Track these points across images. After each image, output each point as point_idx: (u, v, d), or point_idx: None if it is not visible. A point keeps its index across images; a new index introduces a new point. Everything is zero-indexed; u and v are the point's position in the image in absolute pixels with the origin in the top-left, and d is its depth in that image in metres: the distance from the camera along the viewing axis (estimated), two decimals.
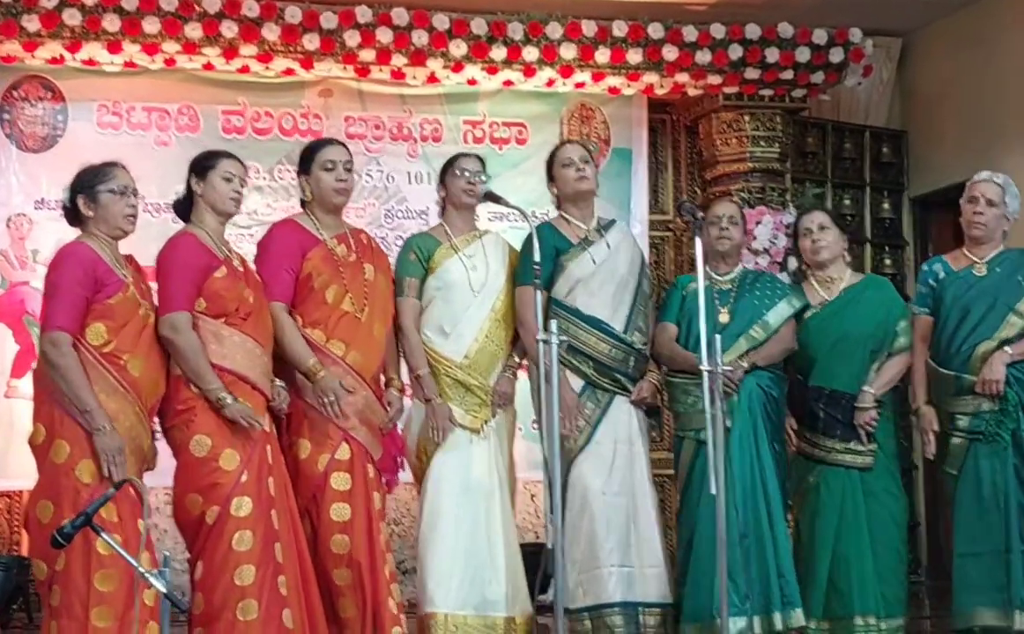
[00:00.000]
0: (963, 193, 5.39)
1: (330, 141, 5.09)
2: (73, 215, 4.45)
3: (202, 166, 4.65)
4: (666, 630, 5.19)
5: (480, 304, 5.15)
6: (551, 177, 5.37)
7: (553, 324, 4.35)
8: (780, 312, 5.33)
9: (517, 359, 5.24)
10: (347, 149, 5.03)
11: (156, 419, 4.54)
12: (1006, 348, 5.12)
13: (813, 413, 5.36)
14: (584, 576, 5.12)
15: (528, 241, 4.99)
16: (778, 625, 5.12)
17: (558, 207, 5.40)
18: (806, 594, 5.26)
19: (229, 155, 4.73)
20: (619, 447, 5.19)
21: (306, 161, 4.95)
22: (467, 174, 5.16)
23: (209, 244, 4.59)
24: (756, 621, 5.09)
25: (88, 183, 4.41)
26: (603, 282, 5.23)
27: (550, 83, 7.17)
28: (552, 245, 5.20)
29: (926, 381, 5.33)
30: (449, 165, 5.25)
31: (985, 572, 5.16)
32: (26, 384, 5.91)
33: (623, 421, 5.23)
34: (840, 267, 5.47)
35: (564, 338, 4.41)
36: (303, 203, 5.00)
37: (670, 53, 7.00)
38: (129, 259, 4.54)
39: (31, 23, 6.25)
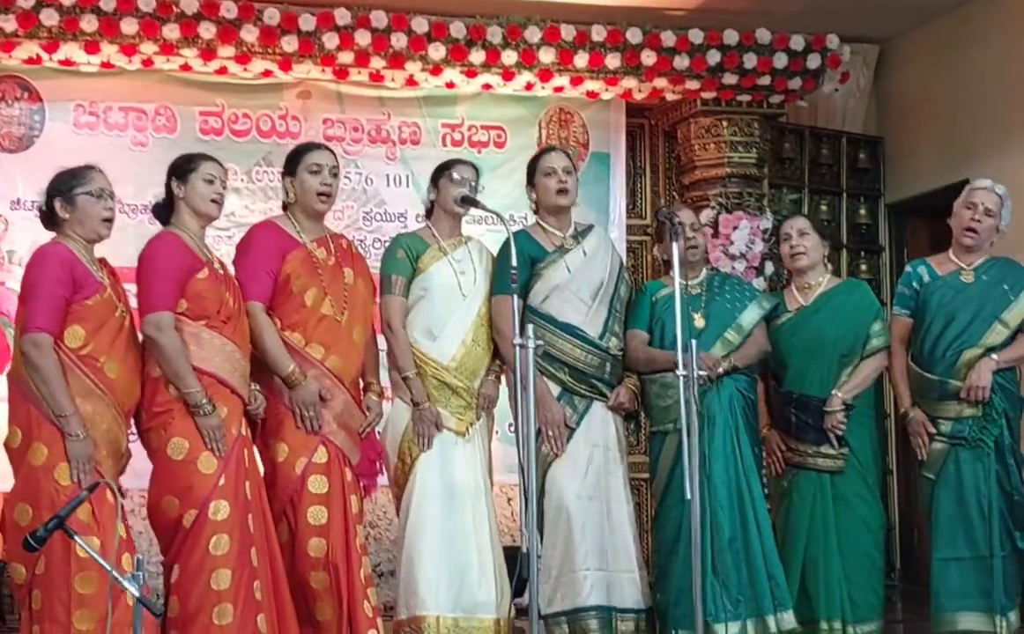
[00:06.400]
0: (960, 195, 5.36)
1: (318, 145, 5.09)
2: (49, 218, 4.43)
3: (183, 168, 4.63)
4: None
5: (467, 308, 5.15)
6: (531, 182, 5.36)
7: (529, 329, 4.35)
8: (752, 314, 5.35)
9: (500, 363, 5.24)
10: (334, 154, 5.02)
11: (132, 422, 4.52)
12: (992, 355, 5.14)
13: (785, 417, 5.38)
14: (560, 580, 5.12)
15: (504, 249, 4.98)
16: (772, 628, 5.11)
17: (535, 212, 5.40)
18: None
19: (209, 157, 4.72)
20: (595, 452, 5.20)
21: (292, 163, 4.94)
22: (463, 183, 5.14)
23: (191, 245, 4.58)
24: (750, 625, 5.09)
25: (65, 186, 4.38)
26: (578, 289, 5.23)
27: (528, 87, 7.17)
28: (527, 254, 5.19)
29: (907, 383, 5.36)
30: (445, 169, 5.23)
31: (967, 577, 5.19)
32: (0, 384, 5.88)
33: (600, 427, 5.24)
34: (819, 273, 5.48)
35: (540, 343, 4.41)
36: (284, 205, 4.99)
37: (648, 58, 7.01)
38: (103, 262, 4.52)
39: (8, 23, 6.21)
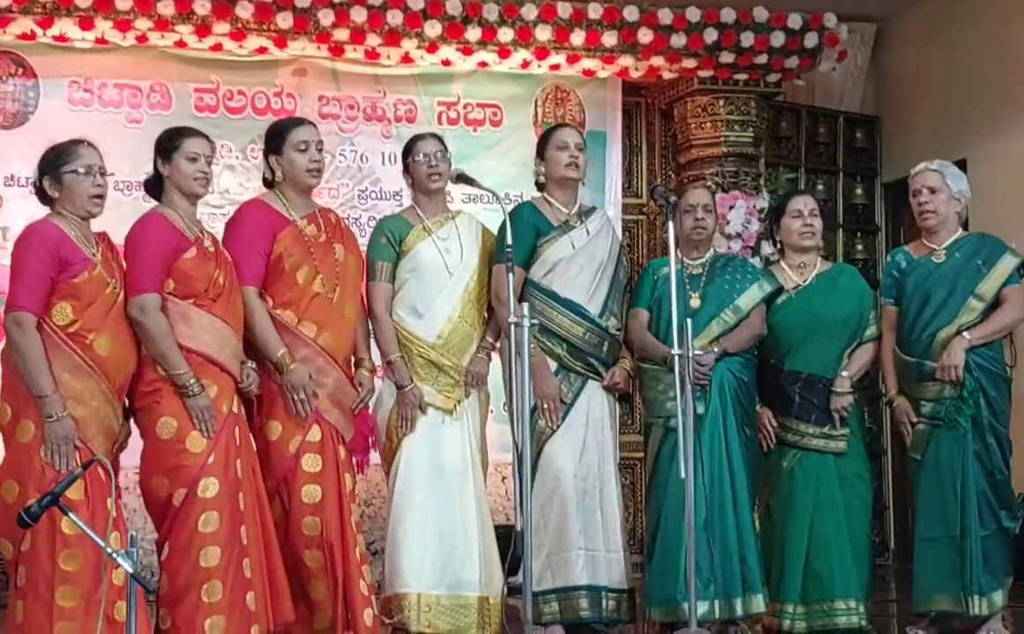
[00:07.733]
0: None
1: (299, 121, 5.03)
2: (43, 195, 4.40)
3: (165, 147, 4.58)
4: (620, 614, 5.21)
5: (454, 285, 5.15)
6: (541, 155, 5.35)
7: (524, 307, 4.35)
8: (751, 296, 5.33)
9: (491, 339, 5.25)
10: (316, 127, 4.98)
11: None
12: (964, 334, 5.17)
13: (788, 397, 5.36)
14: (552, 558, 5.13)
15: (511, 217, 4.94)
16: (738, 610, 5.13)
17: (540, 188, 5.37)
18: (782, 579, 5.28)
19: (194, 133, 4.64)
20: (590, 431, 5.20)
21: (275, 140, 4.87)
22: (428, 158, 5.15)
23: (179, 224, 4.53)
24: (717, 605, 5.10)
25: (53, 164, 4.34)
26: (581, 267, 5.23)
27: (525, 65, 7.16)
28: (533, 224, 5.21)
29: (895, 369, 5.38)
30: (408, 152, 5.23)
31: (942, 557, 5.21)
32: None
33: (595, 405, 5.24)
34: (816, 254, 5.51)
35: (535, 321, 4.40)
36: (267, 183, 4.93)
37: (645, 36, 7.01)
38: (102, 237, 4.47)
39: None
